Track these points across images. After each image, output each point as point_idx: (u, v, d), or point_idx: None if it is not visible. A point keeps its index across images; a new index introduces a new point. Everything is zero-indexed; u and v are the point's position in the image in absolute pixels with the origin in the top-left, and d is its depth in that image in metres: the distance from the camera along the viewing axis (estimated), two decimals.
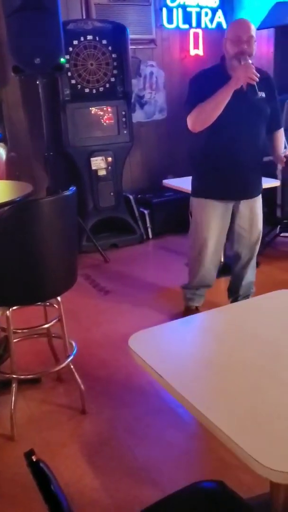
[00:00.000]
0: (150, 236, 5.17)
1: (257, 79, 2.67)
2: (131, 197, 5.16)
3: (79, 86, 4.58)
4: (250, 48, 2.78)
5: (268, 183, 4.07)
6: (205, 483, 1.30)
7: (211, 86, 2.75)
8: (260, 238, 3.27)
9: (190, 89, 2.95)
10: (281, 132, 3.13)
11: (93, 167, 4.70)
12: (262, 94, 2.78)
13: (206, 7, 5.48)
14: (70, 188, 2.30)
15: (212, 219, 3.09)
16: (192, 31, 5.50)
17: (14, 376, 2.36)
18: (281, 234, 4.61)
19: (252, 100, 2.76)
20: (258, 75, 2.68)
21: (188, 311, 3.30)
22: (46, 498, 0.86)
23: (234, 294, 3.41)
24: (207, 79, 2.91)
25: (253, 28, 2.83)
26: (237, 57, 2.76)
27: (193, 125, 2.84)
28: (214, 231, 3.11)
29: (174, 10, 5.31)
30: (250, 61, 2.73)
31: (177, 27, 5.39)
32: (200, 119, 2.81)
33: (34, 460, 0.90)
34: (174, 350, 1.52)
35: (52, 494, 0.86)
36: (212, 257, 3.20)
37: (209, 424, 1.15)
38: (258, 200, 3.17)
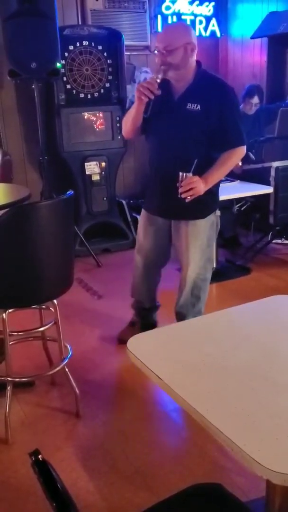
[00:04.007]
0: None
1: (152, 97, 2.44)
2: (124, 202, 5.18)
3: (74, 91, 4.61)
4: (168, 58, 2.50)
5: (261, 189, 4.12)
6: (203, 485, 1.32)
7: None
8: (193, 271, 2.83)
9: None
10: (229, 153, 2.64)
11: (87, 172, 4.72)
12: (195, 106, 2.55)
13: (201, 15, 5.54)
14: (68, 192, 2.31)
15: (145, 232, 2.92)
16: None
17: (9, 378, 2.36)
18: (273, 241, 4.66)
19: (181, 113, 2.57)
20: (156, 92, 2.44)
21: (129, 324, 3.21)
22: (53, 497, 0.87)
23: None
24: None
25: (174, 35, 2.52)
26: (159, 68, 2.53)
27: (122, 133, 2.86)
28: (145, 245, 2.93)
29: (169, 18, 5.37)
30: (159, 76, 2.48)
31: None
32: (123, 129, 2.83)
33: (41, 459, 0.90)
34: (172, 353, 1.54)
35: (59, 493, 0.86)
36: (142, 270, 3.01)
37: (209, 425, 1.17)
38: (192, 226, 2.75)
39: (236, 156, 2.69)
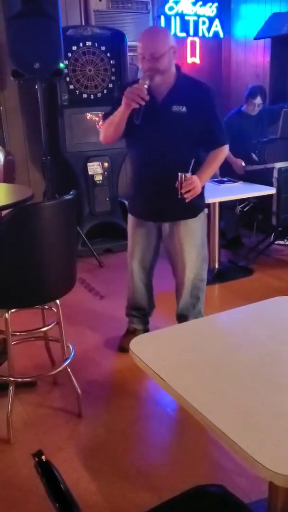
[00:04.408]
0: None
1: (142, 103, 2.43)
2: (126, 202, 5.17)
3: (77, 91, 4.61)
4: (154, 65, 2.50)
5: (263, 190, 4.12)
6: (206, 487, 1.32)
7: None
8: (191, 271, 2.86)
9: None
10: (216, 152, 2.72)
11: (90, 172, 4.72)
12: (180, 109, 2.58)
13: (204, 16, 5.55)
14: (70, 192, 2.31)
15: (135, 236, 2.92)
16: (189, 39, 5.57)
17: (11, 378, 2.36)
18: (275, 242, 4.65)
19: (168, 116, 2.58)
20: (146, 98, 2.44)
21: (127, 332, 3.16)
22: (56, 497, 0.87)
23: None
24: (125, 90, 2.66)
25: (159, 40, 2.51)
26: (145, 74, 2.52)
27: (100, 139, 2.78)
28: (138, 249, 2.93)
29: (172, 19, 5.38)
30: (147, 82, 2.48)
31: (175, 35, 5.44)
32: (102, 134, 2.75)
33: (44, 459, 0.91)
34: (175, 355, 1.54)
35: (63, 494, 0.86)
36: (139, 276, 3.00)
37: (211, 427, 1.17)
38: (184, 226, 2.79)
39: (223, 154, 2.77)
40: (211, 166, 2.73)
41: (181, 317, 2.99)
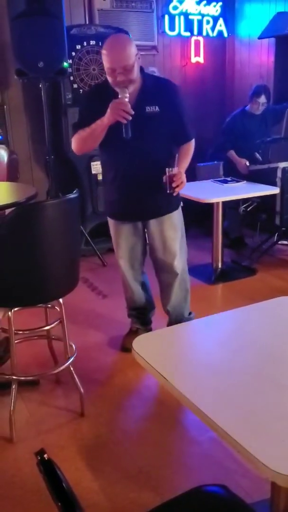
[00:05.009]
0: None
1: (129, 118, 2.45)
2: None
3: (81, 90, 4.60)
4: (127, 77, 2.50)
5: (267, 190, 4.11)
6: (208, 487, 1.31)
7: (100, 105, 2.54)
8: (179, 262, 2.94)
9: (79, 108, 2.84)
10: (187, 146, 2.82)
11: (93, 172, 4.71)
12: (154, 109, 2.62)
13: (208, 15, 5.54)
14: (74, 191, 2.31)
15: (120, 238, 2.92)
16: (193, 38, 5.56)
17: (14, 377, 2.37)
18: (279, 242, 4.64)
19: (142, 117, 2.57)
20: (131, 112, 2.44)
21: (130, 331, 3.16)
22: (58, 496, 0.87)
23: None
24: (95, 97, 2.71)
25: (128, 51, 2.48)
26: (117, 86, 2.52)
27: (74, 149, 2.73)
28: (124, 251, 2.94)
29: (176, 18, 5.37)
30: (126, 94, 2.48)
31: (179, 34, 5.44)
32: (78, 145, 2.69)
33: (46, 458, 0.90)
34: (178, 354, 1.54)
35: (65, 493, 0.86)
36: (132, 276, 3.02)
37: (214, 427, 1.17)
38: (168, 220, 2.86)
39: (193, 147, 2.86)
40: (187, 159, 2.82)
41: (175, 313, 3.04)
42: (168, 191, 2.63)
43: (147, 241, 3.00)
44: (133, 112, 2.46)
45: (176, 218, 2.90)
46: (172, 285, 2.97)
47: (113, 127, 2.53)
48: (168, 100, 2.69)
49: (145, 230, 2.93)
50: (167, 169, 2.61)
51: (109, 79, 2.55)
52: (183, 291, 3.02)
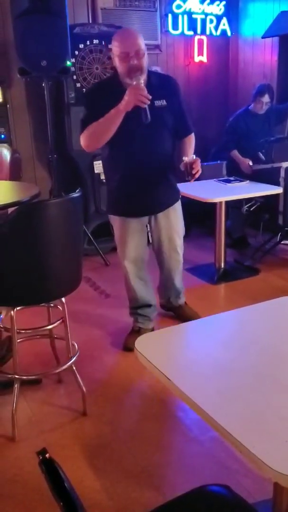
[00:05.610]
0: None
1: (148, 102, 2.50)
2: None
3: (84, 89, 4.59)
4: (140, 62, 2.56)
5: (270, 190, 4.10)
6: (211, 487, 1.31)
7: (106, 101, 2.59)
8: (181, 248, 3.14)
9: (84, 104, 2.80)
10: (189, 138, 2.96)
11: (96, 171, 4.71)
12: (162, 103, 2.71)
13: (211, 14, 5.53)
14: (77, 190, 2.31)
15: (128, 235, 2.93)
16: (196, 37, 5.56)
17: (16, 376, 2.37)
18: (282, 242, 4.63)
19: (153, 111, 2.59)
20: (149, 97, 2.50)
21: (132, 331, 3.16)
22: (60, 496, 0.87)
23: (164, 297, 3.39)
24: (102, 94, 2.74)
25: (140, 39, 2.58)
26: (129, 75, 2.58)
27: (85, 146, 2.71)
28: (131, 248, 2.96)
29: (180, 17, 5.36)
30: (141, 80, 2.55)
31: (182, 33, 5.43)
32: (91, 140, 2.68)
33: (48, 457, 0.90)
34: (180, 354, 1.54)
35: (66, 492, 0.86)
36: (136, 274, 3.05)
37: (217, 427, 1.16)
38: (173, 211, 3.00)
39: (194, 140, 3.00)
40: (192, 151, 2.92)
41: (176, 293, 3.32)
42: (186, 179, 2.75)
43: (151, 236, 3.07)
44: (150, 97, 2.51)
45: (179, 208, 3.06)
46: (174, 271, 3.19)
47: (123, 119, 2.57)
48: (172, 94, 2.80)
49: (147, 226, 2.99)
50: (184, 157, 2.74)
51: (121, 66, 2.60)
52: (180, 272, 3.27)
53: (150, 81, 2.69)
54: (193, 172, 2.70)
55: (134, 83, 2.52)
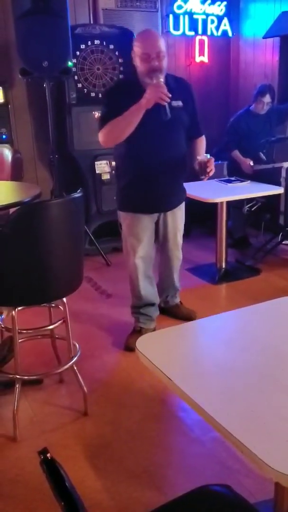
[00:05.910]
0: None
1: (168, 100, 2.57)
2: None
3: (85, 90, 4.60)
4: (160, 63, 2.66)
5: (271, 190, 4.10)
6: (212, 486, 1.31)
7: (125, 100, 2.66)
8: (181, 248, 3.25)
9: (104, 102, 2.87)
10: (201, 140, 3.09)
11: (97, 171, 4.72)
12: (178, 103, 2.78)
13: (212, 14, 5.53)
14: (78, 190, 2.31)
15: (139, 232, 2.97)
16: (198, 38, 5.55)
17: (17, 376, 2.37)
18: (283, 242, 4.63)
19: (172, 111, 2.65)
20: (169, 95, 2.57)
21: (133, 331, 3.16)
22: (61, 495, 0.87)
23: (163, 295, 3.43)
24: (121, 92, 2.83)
25: (161, 41, 2.69)
26: (149, 74, 2.66)
27: (104, 141, 2.78)
28: (142, 246, 2.99)
29: (181, 17, 5.36)
30: (161, 79, 2.63)
31: (183, 33, 5.43)
32: (111, 136, 2.75)
33: (49, 457, 0.90)
34: (181, 354, 1.54)
35: (68, 492, 0.86)
36: (144, 272, 3.07)
37: (218, 427, 1.16)
38: (179, 210, 3.10)
39: (205, 142, 3.12)
40: (203, 152, 3.03)
41: (174, 289, 3.39)
42: (200, 177, 2.89)
43: (159, 233, 3.11)
44: (170, 95, 2.58)
45: (183, 208, 3.15)
46: (176, 265, 3.27)
47: (142, 117, 2.64)
48: (187, 95, 2.89)
49: (155, 223, 3.05)
50: (198, 157, 2.88)
51: (142, 66, 2.69)
52: (178, 270, 3.35)
53: (167, 82, 2.72)
54: (208, 170, 2.83)
55: (155, 81, 2.61)
